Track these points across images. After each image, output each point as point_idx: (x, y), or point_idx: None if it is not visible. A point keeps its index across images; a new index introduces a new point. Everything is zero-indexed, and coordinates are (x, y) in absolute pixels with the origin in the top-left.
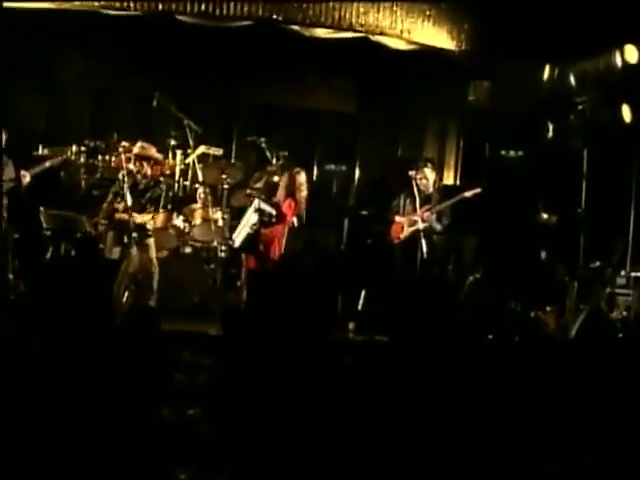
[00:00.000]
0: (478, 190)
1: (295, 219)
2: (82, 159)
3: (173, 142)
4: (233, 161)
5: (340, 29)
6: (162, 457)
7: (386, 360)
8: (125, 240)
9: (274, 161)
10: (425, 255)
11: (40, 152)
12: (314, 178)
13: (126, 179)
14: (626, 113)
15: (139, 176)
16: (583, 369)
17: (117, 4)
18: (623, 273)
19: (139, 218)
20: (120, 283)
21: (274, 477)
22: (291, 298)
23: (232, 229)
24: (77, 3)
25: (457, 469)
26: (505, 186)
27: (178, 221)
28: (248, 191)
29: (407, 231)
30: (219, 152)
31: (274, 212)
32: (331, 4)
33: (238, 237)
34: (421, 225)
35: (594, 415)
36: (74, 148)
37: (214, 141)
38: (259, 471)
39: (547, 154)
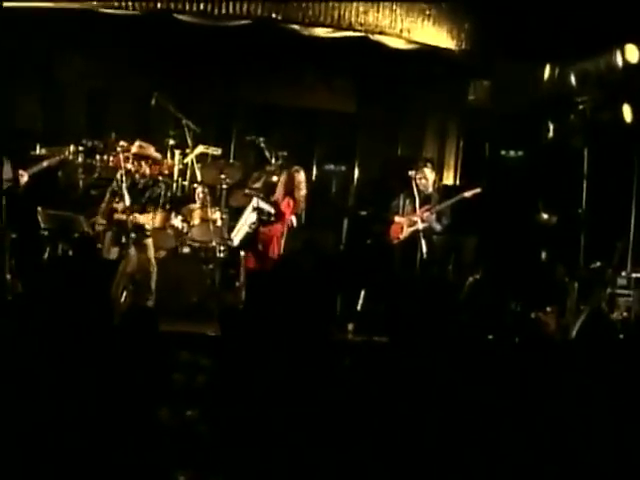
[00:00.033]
0: (478, 190)
1: (294, 219)
2: (80, 159)
3: (171, 142)
4: (232, 161)
5: (339, 28)
6: (160, 458)
7: (385, 361)
8: (123, 240)
9: (273, 161)
10: (425, 255)
11: (38, 152)
12: (313, 178)
13: (124, 179)
14: (627, 113)
15: (137, 175)
16: (583, 370)
17: (115, 3)
18: (624, 274)
19: (141, 218)
20: (118, 283)
21: (273, 478)
22: (290, 298)
23: (231, 229)
24: (75, 3)
25: (457, 470)
26: (505, 186)
27: (176, 221)
28: (247, 191)
29: (407, 231)
30: (218, 152)
31: (273, 211)
32: (330, 3)
33: (237, 236)
34: (421, 225)
35: (594, 416)
36: (72, 148)
37: (213, 141)
38: (258, 472)
39: (547, 154)
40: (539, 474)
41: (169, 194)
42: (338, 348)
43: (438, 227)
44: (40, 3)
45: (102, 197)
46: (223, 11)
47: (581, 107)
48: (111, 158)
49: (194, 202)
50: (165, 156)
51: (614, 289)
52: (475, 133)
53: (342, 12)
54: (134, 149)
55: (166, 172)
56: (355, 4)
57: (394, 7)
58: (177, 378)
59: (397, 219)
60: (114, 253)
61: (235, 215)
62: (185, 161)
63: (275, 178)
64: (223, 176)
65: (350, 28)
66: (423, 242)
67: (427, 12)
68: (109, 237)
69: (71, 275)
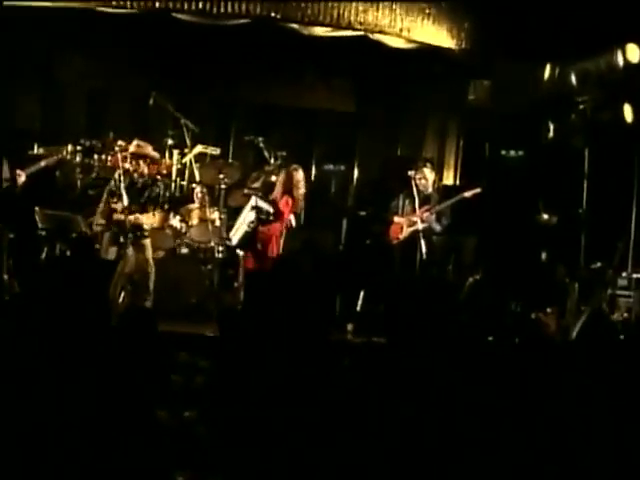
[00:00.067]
0: (478, 190)
1: (293, 219)
2: (78, 158)
3: (170, 141)
4: (230, 161)
5: (339, 27)
6: (159, 459)
7: (385, 362)
8: (121, 240)
9: (272, 161)
10: (424, 256)
11: (35, 151)
12: (312, 178)
13: (122, 178)
14: (628, 113)
15: (136, 175)
16: (584, 371)
17: (114, 2)
18: (624, 274)
19: (143, 218)
20: (116, 284)
21: (272, 479)
22: (289, 299)
23: (229, 229)
24: (74, 2)
25: (457, 471)
26: (505, 186)
27: (175, 221)
28: (246, 191)
29: (406, 231)
30: (216, 151)
31: (271, 210)
32: (330, 2)
33: (235, 235)
34: (420, 225)
35: (595, 417)
36: (70, 147)
37: (211, 140)
38: (256, 473)
39: (548, 154)
40: (539, 475)
41: (167, 194)
42: (337, 349)
43: (438, 227)
44: (39, 2)
45: (100, 197)
46: (222, 10)
47: (582, 107)
48: (109, 158)
49: (192, 202)
50: (163, 156)
51: (615, 290)
52: (475, 133)
53: (341, 11)
54: (132, 148)
55: (164, 172)
56: (354, 3)
57: (394, 6)
58: (175, 379)
59: (397, 219)
60: (112, 253)
61: (234, 215)
62: (183, 161)
63: (274, 178)
64: (222, 176)
65: (349, 27)
66: (423, 242)
67: (427, 11)
68: (107, 237)
69: (69, 275)
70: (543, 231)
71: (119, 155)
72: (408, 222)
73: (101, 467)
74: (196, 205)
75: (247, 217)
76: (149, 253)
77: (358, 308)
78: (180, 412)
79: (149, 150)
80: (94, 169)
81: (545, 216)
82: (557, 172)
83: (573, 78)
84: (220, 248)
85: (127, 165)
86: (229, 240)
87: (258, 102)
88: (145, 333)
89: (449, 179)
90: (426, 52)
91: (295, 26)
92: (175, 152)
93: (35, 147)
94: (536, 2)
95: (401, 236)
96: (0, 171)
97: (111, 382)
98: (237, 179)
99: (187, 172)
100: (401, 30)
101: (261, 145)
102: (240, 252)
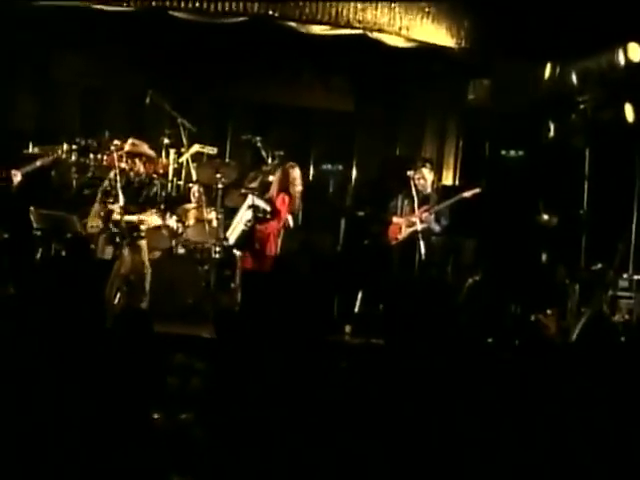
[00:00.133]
0: (477, 190)
1: (291, 219)
2: (73, 158)
3: (167, 141)
4: (228, 160)
5: (338, 26)
6: (155, 462)
7: (383, 363)
8: (117, 240)
9: (269, 160)
10: (423, 257)
11: (31, 151)
12: (310, 178)
13: (118, 178)
14: (629, 112)
15: (132, 174)
16: (584, 373)
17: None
18: (625, 276)
19: (142, 217)
20: (112, 284)
21: None
22: (286, 300)
23: (226, 229)
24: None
25: (457, 472)
26: (505, 186)
27: (171, 221)
28: (243, 191)
29: (405, 232)
30: (213, 151)
31: (268, 208)
32: (328, 1)
33: (232, 234)
34: (419, 226)
35: (595, 419)
36: (65, 147)
37: (208, 140)
38: (253, 475)
39: (548, 154)
40: (539, 476)
41: (164, 194)
42: (335, 350)
43: (437, 228)
44: (38, 1)
45: (95, 197)
46: (219, 8)
47: (582, 106)
48: (105, 157)
49: (189, 202)
50: (160, 155)
51: (616, 291)
52: (475, 133)
53: (340, 9)
54: (127, 147)
55: (161, 171)
56: (353, 2)
57: (393, 4)
58: (171, 381)
59: (395, 220)
60: (108, 253)
61: (231, 215)
62: (180, 160)
63: (271, 178)
64: (219, 176)
65: (348, 26)
66: (422, 243)
67: (426, 10)
68: (103, 237)
69: (64, 276)
70: (543, 232)
71: (115, 154)
72: (407, 222)
73: (97, 469)
74: (193, 205)
75: (244, 216)
76: (145, 254)
77: (356, 309)
78: (176, 414)
79: (145, 148)
80: (90, 169)
81: (545, 217)
82: (557, 172)
83: (574, 77)
84: (217, 248)
85: (123, 164)
86: (226, 240)
87: (256, 101)
88: (141, 334)
89: (448, 179)
90: (425, 51)
91: (293, 24)
92: (172, 151)
93: (30, 146)
94: (536, 1)
95: (400, 236)
96: None
97: (106, 384)
98: (234, 179)
99: (184, 172)
100: (400, 29)
101: (258, 144)
102: (237, 252)
